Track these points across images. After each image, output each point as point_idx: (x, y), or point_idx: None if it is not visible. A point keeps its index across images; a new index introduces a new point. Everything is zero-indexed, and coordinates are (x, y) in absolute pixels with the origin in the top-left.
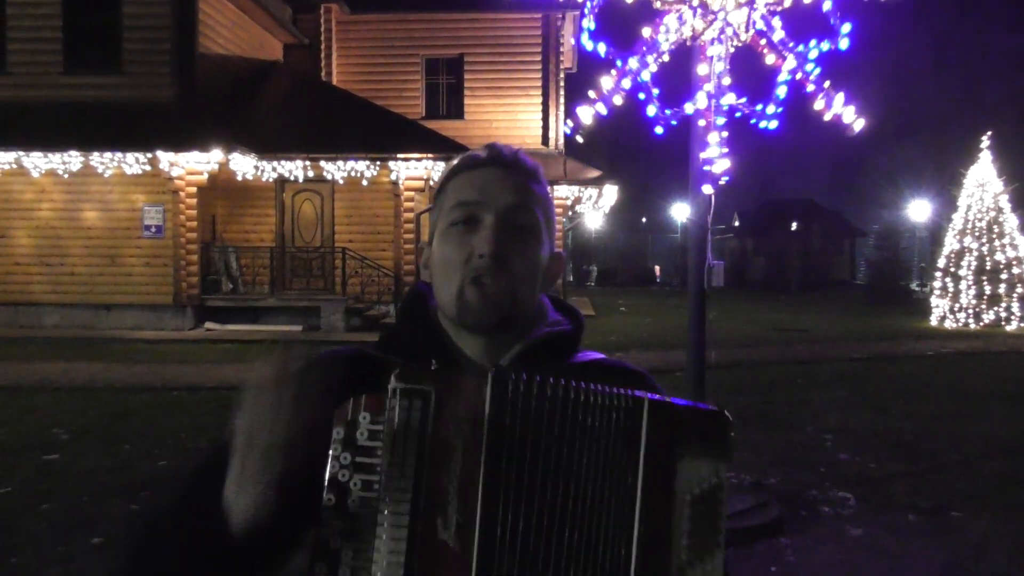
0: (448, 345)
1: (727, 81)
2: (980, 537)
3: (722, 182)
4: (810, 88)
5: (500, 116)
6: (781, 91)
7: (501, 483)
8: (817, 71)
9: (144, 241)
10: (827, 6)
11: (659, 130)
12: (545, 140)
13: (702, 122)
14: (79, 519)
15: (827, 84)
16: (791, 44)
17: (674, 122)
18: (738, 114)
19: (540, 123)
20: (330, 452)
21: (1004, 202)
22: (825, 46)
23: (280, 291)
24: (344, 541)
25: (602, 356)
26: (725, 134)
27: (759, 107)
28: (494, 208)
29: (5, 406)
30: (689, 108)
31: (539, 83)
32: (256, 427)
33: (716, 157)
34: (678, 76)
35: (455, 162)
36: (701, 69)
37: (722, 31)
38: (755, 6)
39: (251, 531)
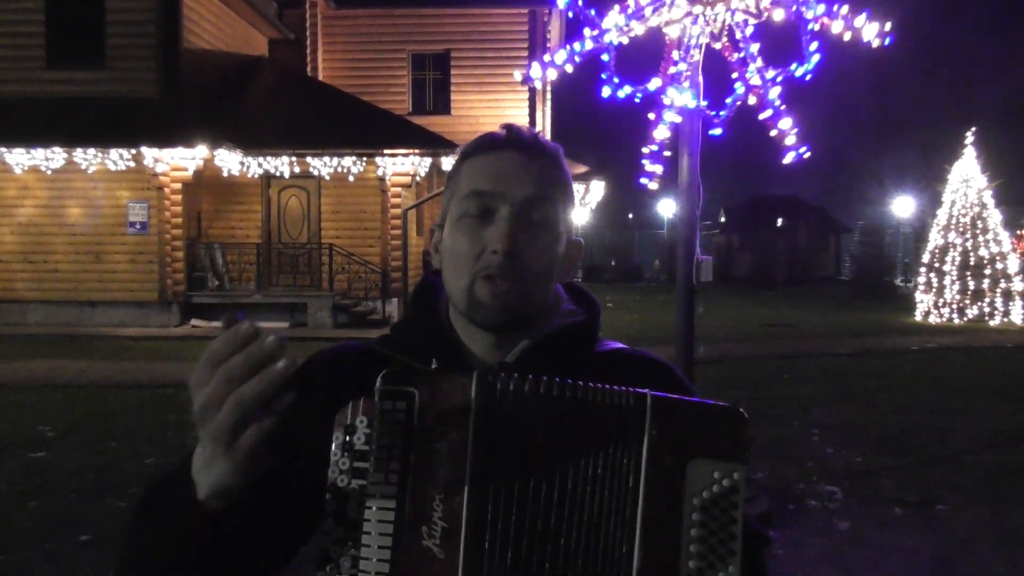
0: (455, 342)
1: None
2: (966, 530)
3: (803, 152)
4: (840, 16)
5: (487, 111)
6: (813, 29)
7: (489, 487)
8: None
9: (129, 238)
10: None
11: (718, 131)
12: None
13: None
14: (66, 517)
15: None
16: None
17: (722, 113)
18: (780, 79)
19: (527, 118)
20: (332, 458)
21: (988, 198)
22: None
23: (266, 288)
24: (343, 549)
25: (621, 346)
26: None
27: (793, 66)
28: (510, 200)
29: None
30: (687, 107)
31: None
32: (200, 406)
33: (790, 132)
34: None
35: (471, 143)
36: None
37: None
38: None
39: (219, 501)
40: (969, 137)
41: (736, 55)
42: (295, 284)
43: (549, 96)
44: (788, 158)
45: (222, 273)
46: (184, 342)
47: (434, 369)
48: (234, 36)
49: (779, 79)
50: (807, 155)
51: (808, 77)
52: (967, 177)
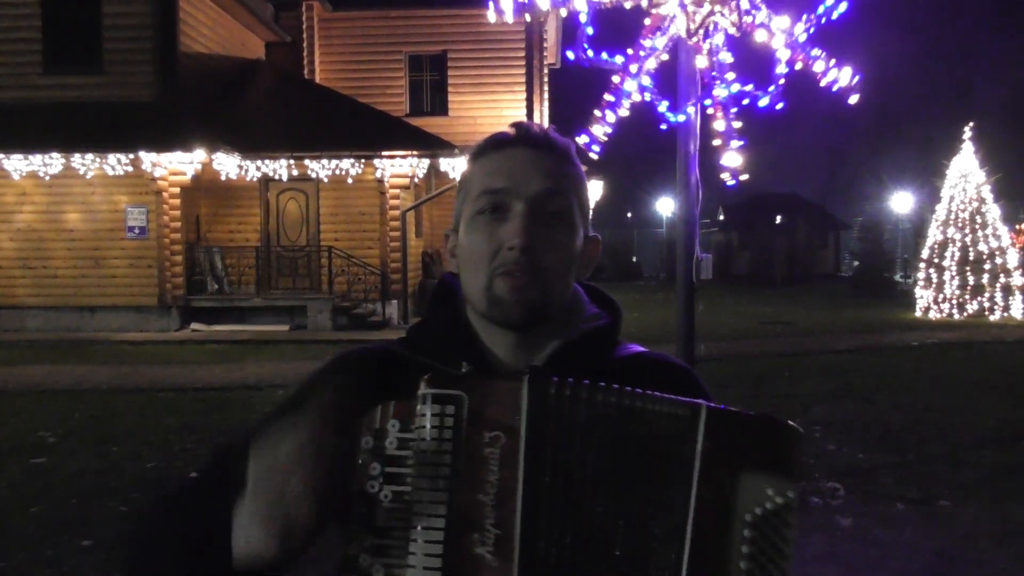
0: (477, 344)
1: (731, 75)
2: (968, 526)
3: (740, 179)
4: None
5: (484, 112)
6: (781, 68)
7: (542, 494)
8: (809, 48)
9: (128, 242)
10: None
11: (664, 126)
12: None
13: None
14: (68, 521)
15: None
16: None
17: (681, 117)
18: (746, 101)
19: (525, 119)
20: (359, 462)
21: (986, 192)
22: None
23: (266, 291)
24: (374, 558)
25: (643, 349)
26: (738, 124)
27: (757, 91)
28: (523, 195)
29: None
30: (686, 116)
31: (523, 79)
32: (271, 472)
33: (736, 150)
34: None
35: (481, 143)
36: (700, 62)
37: (711, 26)
38: None
39: (255, 562)
40: (967, 132)
41: (707, 59)
42: (295, 287)
43: (546, 96)
44: (726, 177)
45: (221, 277)
46: (184, 346)
47: (477, 372)
48: (231, 39)
49: (745, 101)
50: (742, 179)
51: (775, 103)
52: (966, 172)
